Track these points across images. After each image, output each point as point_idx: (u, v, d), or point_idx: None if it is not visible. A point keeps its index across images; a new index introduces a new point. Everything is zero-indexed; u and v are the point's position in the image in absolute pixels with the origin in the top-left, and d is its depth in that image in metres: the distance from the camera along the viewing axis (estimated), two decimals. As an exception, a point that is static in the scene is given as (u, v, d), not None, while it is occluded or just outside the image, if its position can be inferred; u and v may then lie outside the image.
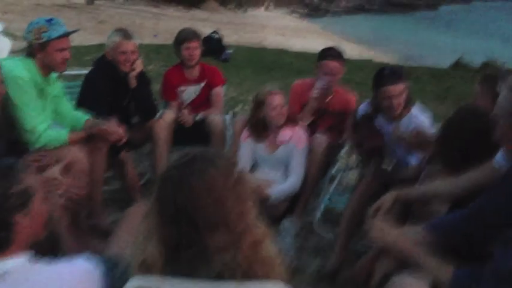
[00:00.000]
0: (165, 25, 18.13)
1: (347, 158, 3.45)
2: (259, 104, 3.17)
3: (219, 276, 1.38)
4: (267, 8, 31.99)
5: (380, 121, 2.98)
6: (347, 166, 3.56)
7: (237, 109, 5.19)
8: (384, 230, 1.84)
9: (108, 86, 3.33)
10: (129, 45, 3.31)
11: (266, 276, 1.41)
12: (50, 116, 2.87)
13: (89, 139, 2.89)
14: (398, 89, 2.77)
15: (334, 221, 3.25)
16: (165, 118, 3.53)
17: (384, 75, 2.79)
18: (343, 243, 2.87)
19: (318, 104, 3.35)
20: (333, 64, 3.27)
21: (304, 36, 20.82)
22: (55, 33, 2.67)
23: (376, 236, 1.86)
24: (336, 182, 3.38)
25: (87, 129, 2.89)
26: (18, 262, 1.40)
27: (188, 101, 3.83)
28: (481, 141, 1.95)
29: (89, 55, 6.26)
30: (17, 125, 2.64)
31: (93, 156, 2.88)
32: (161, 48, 8.52)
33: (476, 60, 10.17)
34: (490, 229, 1.64)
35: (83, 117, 2.99)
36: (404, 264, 1.74)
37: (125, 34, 3.32)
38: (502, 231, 1.48)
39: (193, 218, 1.35)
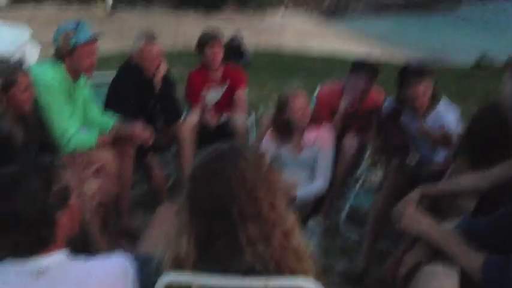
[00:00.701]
0: (185, 30, 18.32)
1: (372, 157, 3.44)
2: (282, 105, 3.17)
3: (251, 269, 1.39)
4: (285, 11, 32.04)
5: (406, 118, 2.97)
6: (372, 165, 3.54)
7: (259, 112, 5.22)
8: (415, 218, 1.83)
9: (133, 90, 3.39)
10: (154, 49, 3.36)
11: (296, 268, 1.42)
12: (79, 120, 2.93)
13: (117, 143, 2.94)
14: (422, 88, 2.75)
15: (360, 221, 3.23)
16: (190, 121, 3.58)
17: (408, 73, 2.78)
18: (370, 243, 2.85)
19: (347, 110, 3.35)
20: (362, 83, 3.29)
21: (323, 37, 20.78)
22: (82, 38, 2.73)
23: (407, 224, 1.85)
24: (360, 181, 3.36)
25: (115, 133, 2.93)
26: (57, 258, 1.44)
27: (212, 103, 3.87)
28: (505, 137, 1.96)
29: (112, 63, 6.35)
30: (47, 128, 2.70)
31: (121, 159, 2.93)
32: (182, 54, 8.60)
33: (500, 58, 10.01)
34: None
35: (110, 121, 3.05)
36: (434, 254, 1.74)
37: (150, 38, 3.37)
38: None
39: (227, 210, 1.37)
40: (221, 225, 1.39)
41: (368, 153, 3.43)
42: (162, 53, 3.44)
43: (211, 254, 1.43)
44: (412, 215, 1.86)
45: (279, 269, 1.40)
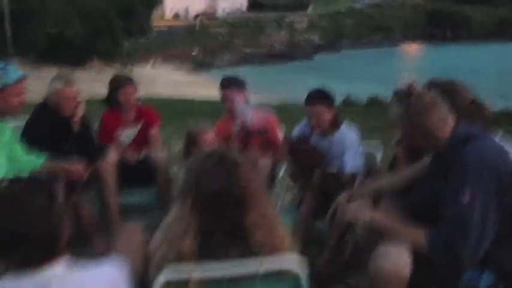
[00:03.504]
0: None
1: (289, 177, 3.78)
2: (192, 141, 3.39)
3: (249, 253, 1.61)
4: (153, 65, 32.36)
5: (315, 139, 3.41)
6: (286, 187, 3.90)
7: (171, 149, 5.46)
8: (359, 209, 2.16)
9: (49, 131, 3.39)
10: (72, 91, 3.43)
11: (283, 247, 1.68)
12: (5, 163, 2.86)
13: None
14: (315, 109, 3.25)
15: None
16: (110, 158, 3.63)
17: (309, 95, 3.32)
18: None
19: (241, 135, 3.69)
20: (226, 92, 3.74)
21: (193, 89, 21.45)
22: (11, 79, 2.72)
23: (352, 215, 2.16)
24: (279, 203, 3.68)
25: (48, 169, 2.92)
26: (59, 268, 1.51)
27: (127, 143, 3.97)
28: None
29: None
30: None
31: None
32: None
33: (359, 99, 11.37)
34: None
35: (38, 159, 3.02)
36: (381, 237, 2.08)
37: (67, 80, 3.44)
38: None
39: (238, 201, 1.58)
40: (231, 213, 1.59)
41: (280, 176, 3.80)
42: (78, 95, 3.51)
43: (213, 244, 1.62)
44: (355, 207, 2.17)
45: (271, 251, 1.63)
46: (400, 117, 2.14)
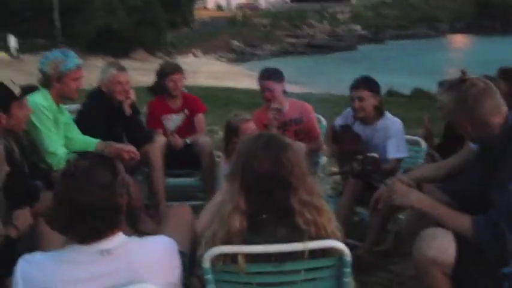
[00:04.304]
0: (97, 75, 18.10)
1: (327, 166, 3.83)
2: (232, 131, 3.42)
3: (297, 232, 1.67)
4: (195, 55, 32.75)
5: (358, 127, 3.44)
6: (328, 174, 3.94)
7: (216, 136, 5.58)
8: (405, 192, 2.16)
9: (103, 116, 3.56)
10: (125, 76, 3.59)
11: (328, 230, 1.73)
12: (63, 143, 3.04)
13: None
14: (356, 94, 3.27)
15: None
16: (159, 142, 3.77)
17: (355, 80, 3.35)
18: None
19: (277, 120, 3.74)
20: (265, 83, 3.77)
21: (235, 79, 21.57)
22: (72, 65, 2.91)
23: (398, 198, 2.16)
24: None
25: (103, 150, 3.08)
26: (120, 239, 1.63)
27: (173, 129, 4.10)
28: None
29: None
30: (38, 148, 2.80)
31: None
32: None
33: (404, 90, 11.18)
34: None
35: (93, 141, 3.19)
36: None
37: (119, 67, 3.60)
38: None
39: (285, 177, 1.65)
40: (279, 193, 1.66)
41: (321, 163, 3.85)
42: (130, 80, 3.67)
43: (260, 225, 1.69)
44: (401, 190, 2.17)
45: (317, 231, 1.69)
46: (452, 105, 2.10)
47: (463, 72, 2.16)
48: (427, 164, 3.04)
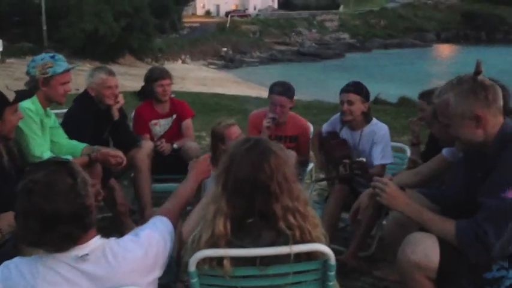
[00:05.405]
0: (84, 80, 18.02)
1: (314, 173, 3.85)
2: (218, 139, 3.41)
3: (279, 238, 1.67)
4: (183, 61, 32.73)
5: (344, 133, 3.47)
6: (315, 180, 3.97)
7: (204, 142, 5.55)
8: (395, 194, 2.14)
9: (90, 120, 3.54)
10: (114, 80, 3.58)
11: (313, 235, 1.73)
12: (49, 146, 3.03)
13: (88, 164, 3.07)
14: (345, 97, 3.29)
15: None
16: (145, 147, 3.76)
17: (345, 85, 3.38)
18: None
19: (270, 132, 3.66)
20: (278, 98, 3.64)
21: (223, 85, 21.61)
22: (59, 68, 2.89)
23: (387, 199, 2.14)
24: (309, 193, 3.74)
25: (90, 154, 3.07)
26: (97, 243, 1.60)
27: (161, 134, 4.10)
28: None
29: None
30: (23, 152, 2.79)
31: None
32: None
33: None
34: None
35: (79, 145, 3.17)
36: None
37: (109, 71, 3.59)
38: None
39: (267, 184, 1.64)
40: (260, 199, 1.65)
41: (307, 170, 3.86)
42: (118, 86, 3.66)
43: (245, 229, 1.69)
44: (393, 192, 2.15)
45: (302, 235, 1.69)
46: (461, 98, 2.00)
47: (478, 64, 2.03)
48: (406, 171, 3.10)
